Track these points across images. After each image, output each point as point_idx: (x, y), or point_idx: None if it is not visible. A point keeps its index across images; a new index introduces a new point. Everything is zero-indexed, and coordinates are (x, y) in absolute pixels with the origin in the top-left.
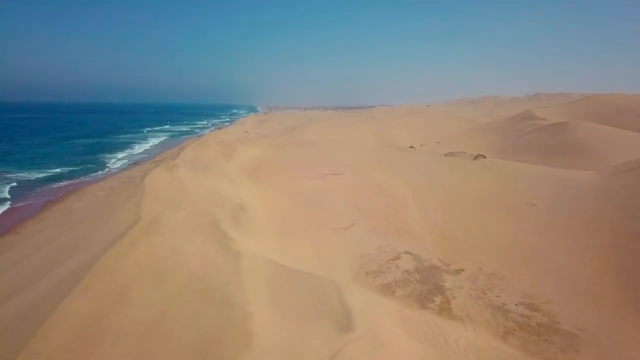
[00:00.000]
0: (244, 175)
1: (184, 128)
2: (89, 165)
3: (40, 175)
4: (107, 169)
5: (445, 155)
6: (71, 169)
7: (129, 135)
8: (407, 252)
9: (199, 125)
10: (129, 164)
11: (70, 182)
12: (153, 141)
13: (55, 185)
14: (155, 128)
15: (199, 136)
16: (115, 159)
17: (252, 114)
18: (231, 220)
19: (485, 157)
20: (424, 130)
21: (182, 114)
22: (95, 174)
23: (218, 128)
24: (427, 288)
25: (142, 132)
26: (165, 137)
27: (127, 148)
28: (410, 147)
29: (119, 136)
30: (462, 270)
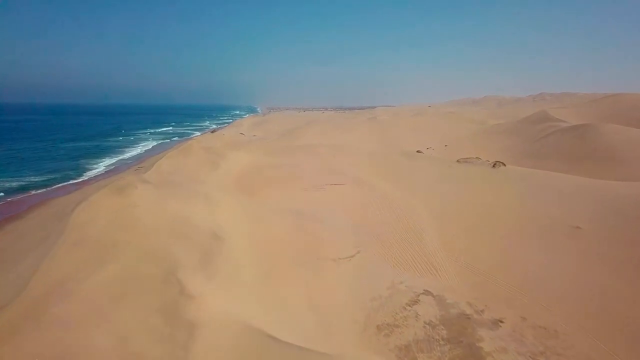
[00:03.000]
0: (230, 188)
1: (187, 130)
2: (69, 172)
3: (13, 184)
4: (86, 177)
5: (458, 161)
6: (48, 177)
7: (129, 137)
8: (427, 292)
9: (202, 127)
10: (110, 172)
11: (41, 191)
12: (150, 144)
13: (23, 196)
14: (158, 130)
15: (193, 139)
16: (102, 165)
17: (251, 115)
18: (198, 260)
19: (505, 165)
20: (429, 132)
21: (186, 116)
22: (70, 182)
23: (212, 131)
24: (459, 352)
25: (143, 133)
26: (165, 140)
27: (119, 152)
28: (418, 151)
29: (118, 138)
30: (501, 322)
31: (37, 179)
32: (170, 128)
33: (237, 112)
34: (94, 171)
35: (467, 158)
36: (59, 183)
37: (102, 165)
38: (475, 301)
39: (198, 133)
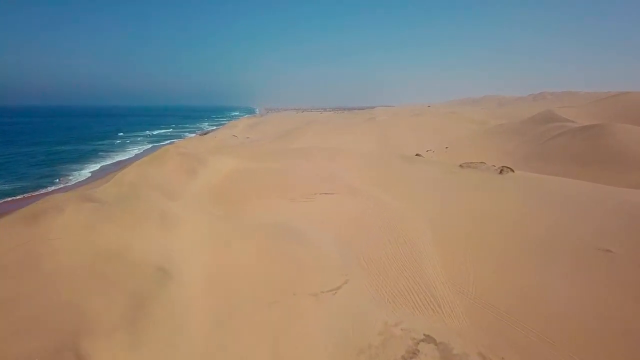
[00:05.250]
0: (204, 201)
1: (185, 132)
2: (43, 180)
3: None
4: (61, 186)
5: (460, 166)
6: (19, 184)
7: (125, 140)
8: (428, 338)
9: (201, 128)
10: (89, 178)
11: (3, 201)
12: (145, 147)
13: None
14: (156, 132)
15: (175, 143)
16: (85, 171)
17: (248, 116)
18: (122, 316)
19: (513, 171)
20: (429, 133)
21: (186, 117)
22: (40, 192)
23: (203, 133)
24: None
25: (141, 135)
26: (163, 142)
27: (107, 156)
28: (417, 155)
29: (113, 141)
30: None
31: (5, 187)
32: (170, 130)
33: (237, 113)
34: (71, 178)
35: (471, 162)
36: (28, 192)
37: (86, 171)
38: (489, 351)
39: (191, 135)
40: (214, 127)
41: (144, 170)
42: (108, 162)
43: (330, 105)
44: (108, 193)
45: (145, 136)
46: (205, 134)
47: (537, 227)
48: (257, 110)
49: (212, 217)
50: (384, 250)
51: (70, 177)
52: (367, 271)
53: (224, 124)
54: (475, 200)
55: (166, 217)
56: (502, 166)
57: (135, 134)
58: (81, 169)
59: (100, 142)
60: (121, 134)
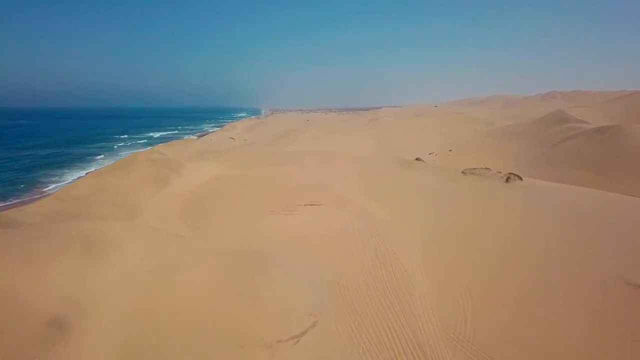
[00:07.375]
0: (167, 218)
1: (189, 133)
2: (19, 187)
3: None
4: (39, 194)
5: (463, 172)
6: None
7: (126, 142)
8: None
9: (204, 130)
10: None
11: None
12: (144, 149)
13: None
14: (159, 134)
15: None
16: (68, 177)
17: (251, 117)
18: None
19: (521, 179)
20: (433, 134)
21: (192, 119)
22: (11, 201)
23: (200, 135)
24: None
25: (144, 137)
26: (163, 143)
27: (97, 161)
28: (417, 159)
29: (111, 144)
30: None
31: None
32: (176, 131)
33: (243, 114)
34: (53, 185)
35: (474, 169)
36: (6, 201)
37: (69, 177)
38: None
39: (194, 137)
40: (217, 129)
41: (101, 180)
42: (97, 167)
43: (336, 106)
44: (42, 211)
45: (148, 138)
46: (202, 136)
47: (548, 252)
48: (262, 111)
49: (167, 238)
50: (364, 277)
51: (52, 184)
52: (342, 307)
53: (225, 125)
54: (475, 213)
55: (94, 244)
56: (509, 173)
57: (138, 136)
58: (62, 176)
59: (98, 145)
60: (125, 136)
